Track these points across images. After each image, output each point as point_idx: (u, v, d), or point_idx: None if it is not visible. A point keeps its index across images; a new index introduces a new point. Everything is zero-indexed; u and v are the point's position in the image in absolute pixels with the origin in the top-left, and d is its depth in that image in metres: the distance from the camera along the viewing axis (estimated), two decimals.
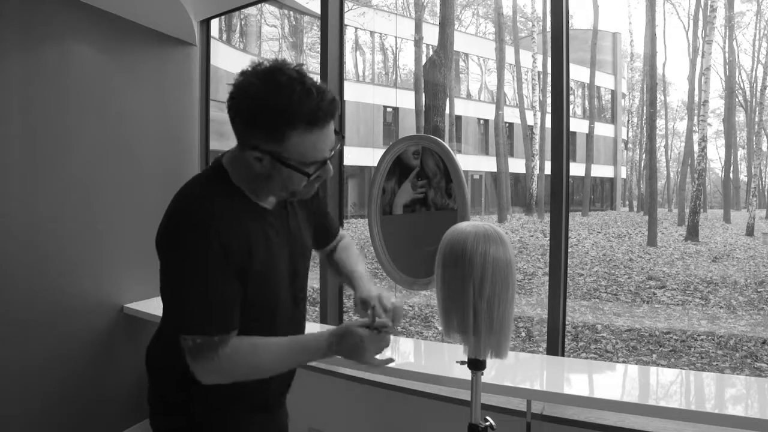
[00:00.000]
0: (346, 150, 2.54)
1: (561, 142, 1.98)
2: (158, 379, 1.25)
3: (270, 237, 1.16)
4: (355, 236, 12.36)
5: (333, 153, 1.09)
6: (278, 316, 1.21)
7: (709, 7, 12.47)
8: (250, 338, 1.11)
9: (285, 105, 0.99)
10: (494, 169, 18.71)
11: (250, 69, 1.03)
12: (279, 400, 1.34)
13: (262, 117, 1.00)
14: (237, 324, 1.09)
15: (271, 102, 0.99)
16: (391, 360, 1.18)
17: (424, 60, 17.34)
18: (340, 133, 1.12)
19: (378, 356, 1.15)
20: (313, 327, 2.55)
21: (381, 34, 19.60)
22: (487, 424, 1.20)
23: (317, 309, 3.22)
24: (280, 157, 1.03)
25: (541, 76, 18.22)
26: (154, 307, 2.62)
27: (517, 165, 19.40)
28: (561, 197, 1.96)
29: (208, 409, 1.19)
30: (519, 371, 1.90)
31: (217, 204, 1.08)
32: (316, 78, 1.08)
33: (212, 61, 3.15)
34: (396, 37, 19.80)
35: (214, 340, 1.05)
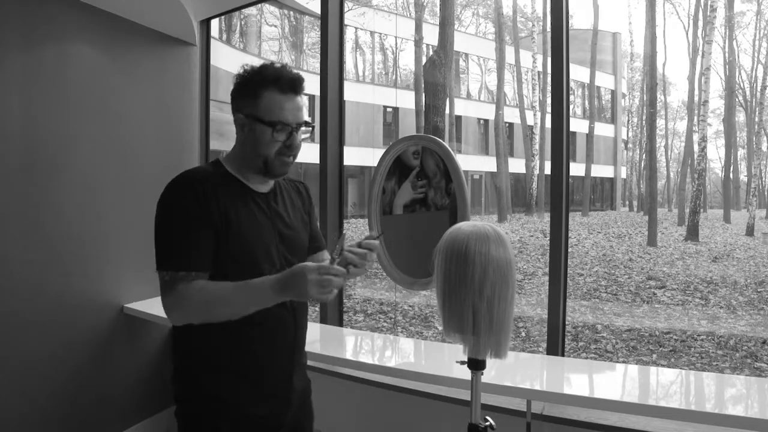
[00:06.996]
0: (346, 150, 2.54)
1: (561, 142, 1.98)
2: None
3: (254, 212, 1.30)
4: (355, 236, 12.34)
5: (303, 133, 1.31)
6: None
7: (709, 7, 12.46)
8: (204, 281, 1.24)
9: (258, 71, 1.29)
10: (494, 169, 18.69)
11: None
12: (284, 386, 1.35)
13: (245, 81, 1.30)
14: (204, 267, 1.22)
15: (251, 71, 1.30)
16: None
17: (424, 60, 17.32)
18: (311, 124, 1.32)
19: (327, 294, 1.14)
20: (313, 327, 2.55)
21: (381, 34, 19.59)
22: (487, 424, 1.20)
23: (317, 309, 3.21)
24: (256, 115, 1.27)
25: (541, 76, 18.20)
26: (154, 307, 2.62)
27: (517, 165, 19.38)
28: (561, 197, 1.96)
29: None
30: (519, 371, 1.90)
31: (200, 175, 1.28)
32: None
33: (212, 61, 3.16)
34: (396, 37, 19.79)
35: (178, 275, 1.19)
